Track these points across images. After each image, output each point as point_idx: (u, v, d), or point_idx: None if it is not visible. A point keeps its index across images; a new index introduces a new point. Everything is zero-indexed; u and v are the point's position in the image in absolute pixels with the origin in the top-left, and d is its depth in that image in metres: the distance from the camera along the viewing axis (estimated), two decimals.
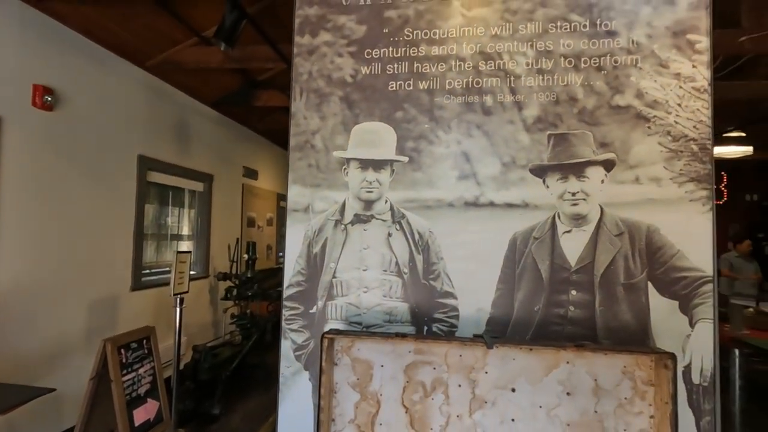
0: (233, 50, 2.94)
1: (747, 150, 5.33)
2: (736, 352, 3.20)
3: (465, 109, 1.70)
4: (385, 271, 1.71)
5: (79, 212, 3.16)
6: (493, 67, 1.69)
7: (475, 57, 1.70)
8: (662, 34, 1.58)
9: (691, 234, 1.54)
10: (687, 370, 1.52)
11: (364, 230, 1.73)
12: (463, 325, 1.65)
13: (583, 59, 1.63)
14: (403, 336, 1.50)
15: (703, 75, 1.56)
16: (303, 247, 1.77)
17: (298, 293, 1.76)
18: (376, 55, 1.77)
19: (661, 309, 1.54)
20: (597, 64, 1.62)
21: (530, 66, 1.66)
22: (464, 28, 1.71)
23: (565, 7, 1.65)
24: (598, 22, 1.63)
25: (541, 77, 1.65)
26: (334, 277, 1.73)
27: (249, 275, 4.53)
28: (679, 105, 1.56)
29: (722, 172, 7.74)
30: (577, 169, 1.60)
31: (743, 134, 5.22)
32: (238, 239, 5.27)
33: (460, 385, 1.51)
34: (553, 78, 1.64)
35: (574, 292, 1.59)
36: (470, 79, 1.70)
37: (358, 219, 1.74)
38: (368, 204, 1.74)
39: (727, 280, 5.25)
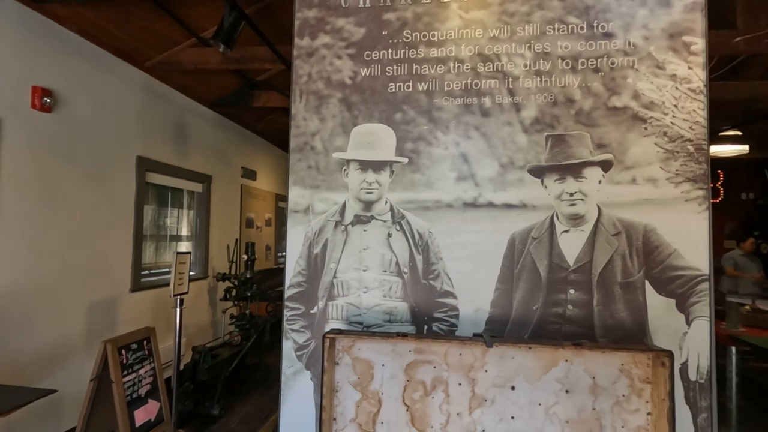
0: (232, 51, 2.94)
1: (743, 149, 5.38)
2: (733, 349, 3.23)
3: (463, 110, 1.72)
4: (385, 271, 1.72)
5: (78, 214, 3.17)
6: (491, 69, 1.70)
7: (474, 59, 1.72)
8: (658, 36, 1.60)
9: (687, 233, 1.56)
10: (684, 367, 1.54)
11: (364, 231, 1.75)
12: (463, 325, 1.67)
13: (580, 61, 1.64)
14: (403, 335, 1.52)
15: (698, 76, 1.58)
16: (303, 248, 1.78)
17: (299, 294, 1.77)
18: (375, 57, 1.78)
19: (658, 307, 1.56)
20: (594, 66, 1.64)
21: (528, 67, 1.68)
22: (462, 30, 1.73)
23: (562, 9, 1.67)
24: (595, 24, 1.65)
25: (538, 79, 1.67)
26: (334, 277, 1.74)
27: (248, 276, 4.54)
28: (675, 106, 1.58)
29: (718, 171, 7.80)
30: (575, 170, 1.62)
31: (739, 133, 5.26)
32: (237, 240, 5.27)
33: (459, 384, 1.53)
34: (551, 79, 1.66)
35: (572, 292, 1.61)
36: (469, 81, 1.72)
37: (358, 220, 1.75)
38: (368, 205, 1.75)
39: (731, 279, 5.24)
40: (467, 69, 1.72)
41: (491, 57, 1.71)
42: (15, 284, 2.69)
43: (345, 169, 1.78)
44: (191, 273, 4.45)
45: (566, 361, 1.49)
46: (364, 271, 1.73)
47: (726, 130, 5.19)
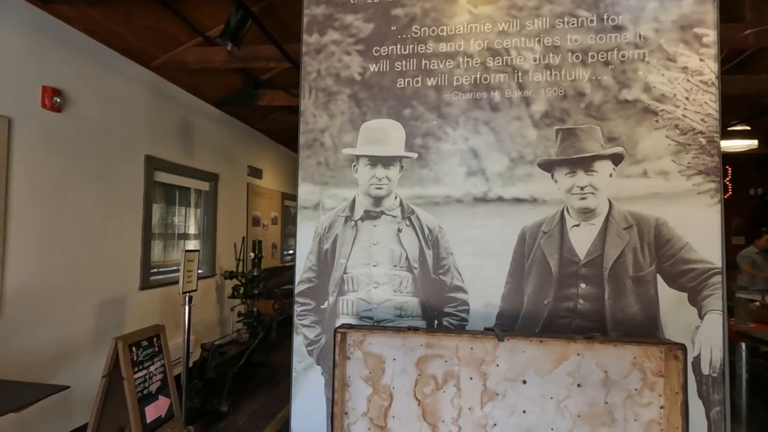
0: (239, 49, 2.96)
1: (752, 143, 5.33)
2: (743, 345, 3.21)
3: (473, 105, 1.72)
4: (396, 266, 1.72)
5: (87, 212, 3.19)
6: (500, 63, 1.70)
7: (483, 53, 1.72)
8: (669, 28, 1.59)
9: (699, 226, 1.55)
10: (696, 361, 1.54)
11: (374, 226, 1.75)
12: (474, 319, 1.67)
13: (590, 54, 1.64)
14: (414, 330, 1.52)
15: (710, 68, 1.57)
16: (314, 244, 1.79)
17: (309, 289, 1.78)
18: (383, 52, 1.78)
19: (670, 301, 1.56)
20: (604, 59, 1.63)
21: (537, 61, 1.68)
22: (471, 24, 1.73)
23: (572, 2, 1.66)
24: (605, 17, 1.64)
25: (548, 72, 1.67)
26: (344, 272, 1.75)
27: (255, 273, 4.56)
28: (687, 98, 1.57)
29: (726, 166, 7.74)
30: (586, 164, 1.62)
31: (748, 128, 5.22)
32: (244, 238, 5.29)
33: (471, 378, 1.53)
34: (561, 73, 1.66)
35: (583, 286, 1.61)
36: (478, 76, 1.72)
37: (368, 215, 1.76)
38: (378, 200, 1.76)
39: (748, 276, 5.17)
40: (476, 64, 1.72)
41: (500, 51, 1.71)
42: (26, 282, 2.72)
43: (354, 165, 1.78)
44: (199, 271, 4.48)
45: (578, 354, 1.49)
46: (374, 266, 1.74)
47: (734, 125, 5.15)
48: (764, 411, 3.67)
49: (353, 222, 1.76)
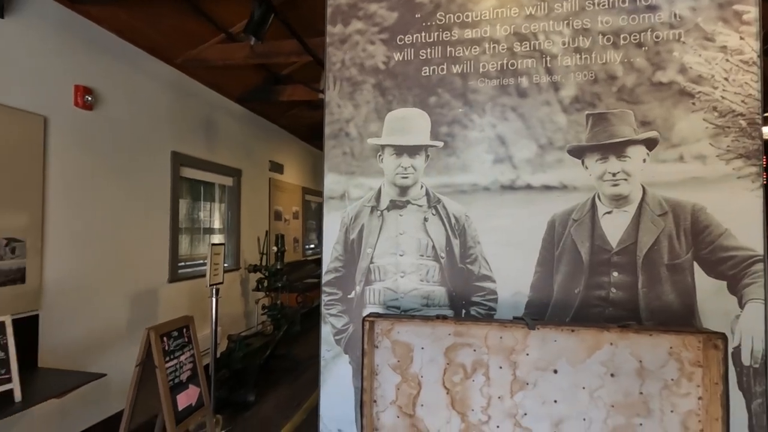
0: (260, 45, 2.98)
1: None
2: None
3: (499, 91, 1.69)
4: (422, 255, 1.72)
5: (118, 208, 3.29)
6: (528, 48, 1.67)
7: (510, 38, 1.68)
8: (707, 6, 1.53)
9: (739, 212, 1.49)
10: (736, 351, 1.48)
11: (400, 216, 1.75)
12: (502, 308, 1.66)
13: (622, 36, 1.59)
14: (443, 318, 1.52)
15: (751, 47, 1.50)
16: (340, 234, 1.80)
17: (336, 279, 1.79)
18: (408, 41, 1.77)
19: (708, 289, 1.51)
20: (637, 41, 1.58)
21: (567, 45, 1.63)
22: (498, 9, 1.69)
23: None
24: None
25: (578, 56, 1.62)
26: (371, 262, 1.76)
27: (278, 267, 4.63)
28: (726, 79, 1.50)
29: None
30: (618, 149, 1.57)
31: None
32: (267, 232, 5.37)
33: (500, 367, 1.52)
34: (591, 56, 1.61)
35: (615, 274, 1.57)
36: (505, 61, 1.69)
37: (394, 205, 1.76)
38: (403, 190, 1.75)
39: None
40: (503, 49, 1.69)
41: (528, 36, 1.67)
42: (63, 276, 2.83)
43: (380, 155, 1.78)
44: (225, 264, 4.57)
45: (611, 344, 1.45)
46: (401, 255, 1.74)
47: None
48: None
49: (379, 212, 1.77)
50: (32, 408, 2.17)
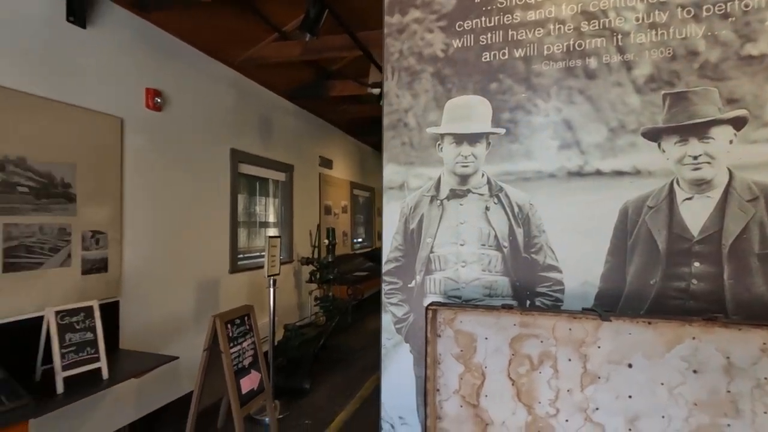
0: (312, 41, 3.05)
1: None
2: None
3: (565, 74, 1.62)
4: (484, 245, 1.69)
5: (185, 203, 3.51)
6: (597, 27, 1.58)
7: (576, 18, 1.61)
8: None
9: None
10: None
11: (461, 205, 1.73)
12: (569, 299, 1.60)
13: (704, 7, 1.47)
14: (508, 308, 1.49)
15: None
16: (400, 224, 1.80)
17: (396, 268, 1.81)
18: (467, 27, 1.74)
19: None
20: (722, 11, 1.45)
21: (640, 21, 1.54)
22: None
23: None
24: None
25: (653, 32, 1.52)
26: (431, 252, 1.75)
27: (330, 259, 4.73)
28: None
29: None
30: (700, 130, 1.46)
31: None
32: (318, 225, 5.51)
33: (569, 360, 1.47)
34: (668, 32, 1.50)
35: (696, 264, 1.46)
36: (571, 42, 1.61)
37: (454, 194, 1.74)
38: (464, 179, 1.73)
39: None
40: (569, 30, 1.62)
41: (597, 14, 1.59)
42: (139, 266, 3.06)
43: (439, 144, 1.77)
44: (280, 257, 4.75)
45: (693, 338, 1.36)
46: (462, 245, 1.72)
47: None
48: None
49: (439, 201, 1.76)
50: (115, 386, 2.36)
